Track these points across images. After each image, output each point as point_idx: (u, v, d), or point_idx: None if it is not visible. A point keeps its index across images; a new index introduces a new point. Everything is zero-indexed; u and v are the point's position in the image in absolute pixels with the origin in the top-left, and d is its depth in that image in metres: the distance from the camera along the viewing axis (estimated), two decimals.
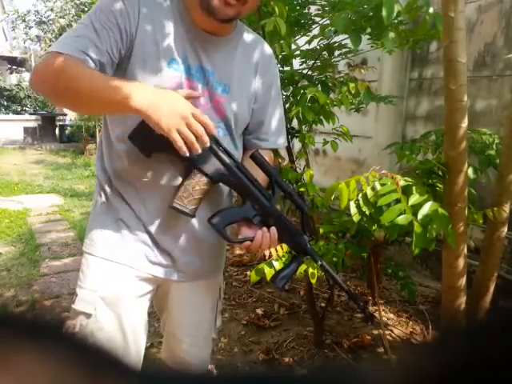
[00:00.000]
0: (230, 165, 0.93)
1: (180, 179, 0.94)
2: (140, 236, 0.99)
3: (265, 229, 0.95)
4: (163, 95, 0.80)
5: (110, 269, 0.99)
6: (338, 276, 1.05)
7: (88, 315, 0.97)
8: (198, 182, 0.92)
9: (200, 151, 0.84)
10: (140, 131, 0.89)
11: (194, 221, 0.99)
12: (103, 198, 1.01)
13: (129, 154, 0.94)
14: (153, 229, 0.99)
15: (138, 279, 1.01)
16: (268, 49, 1.08)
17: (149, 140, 0.88)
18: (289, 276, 1.00)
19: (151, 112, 0.78)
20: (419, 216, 1.05)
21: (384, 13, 1.14)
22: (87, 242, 1.02)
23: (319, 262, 1.01)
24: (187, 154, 0.82)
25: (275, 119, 1.09)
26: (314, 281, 1.36)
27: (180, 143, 0.80)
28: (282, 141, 1.12)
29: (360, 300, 1.09)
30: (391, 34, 1.34)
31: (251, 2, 0.90)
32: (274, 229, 0.95)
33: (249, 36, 1.03)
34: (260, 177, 0.98)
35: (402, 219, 1.05)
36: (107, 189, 1.00)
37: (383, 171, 1.18)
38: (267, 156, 1.08)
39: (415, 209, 1.06)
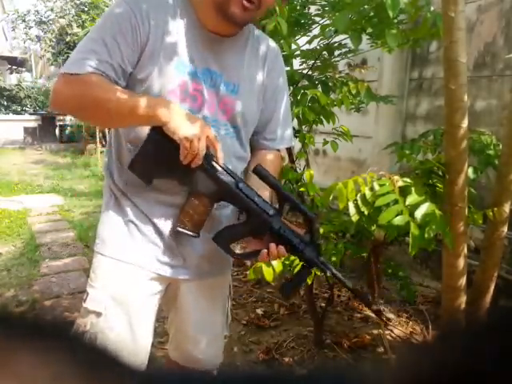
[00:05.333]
0: (229, 185, 0.92)
1: (182, 199, 0.95)
2: (150, 236, 0.99)
3: (273, 246, 0.92)
4: (187, 114, 0.86)
5: (120, 269, 0.99)
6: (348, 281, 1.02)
7: (98, 314, 0.98)
8: (199, 204, 0.93)
9: (200, 163, 0.88)
10: (139, 160, 0.90)
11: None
12: (113, 199, 1.02)
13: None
14: (163, 229, 0.99)
15: (148, 279, 1.01)
16: (274, 44, 1.08)
17: (149, 168, 0.91)
18: (296, 286, 1.00)
19: (173, 122, 0.84)
20: (416, 217, 1.05)
21: (389, 3, 1.14)
22: (98, 242, 1.03)
23: (328, 273, 0.98)
24: (185, 163, 0.87)
25: (282, 118, 1.09)
26: (309, 281, 1.36)
27: (186, 152, 0.86)
28: (288, 139, 1.12)
29: (371, 304, 1.08)
30: (393, 31, 1.34)
31: (264, 6, 0.92)
32: (282, 248, 0.93)
33: (255, 33, 1.04)
34: (267, 187, 0.97)
35: (398, 220, 1.05)
36: (115, 190, 1.01)
37: (381, 172, 1.18)
38: (275, 156, 1.08)
39: (412, 209, 1.06)
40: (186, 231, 0.93)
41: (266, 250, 0.92)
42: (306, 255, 0.96)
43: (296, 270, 1.31)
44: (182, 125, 0.84)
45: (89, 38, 0.89)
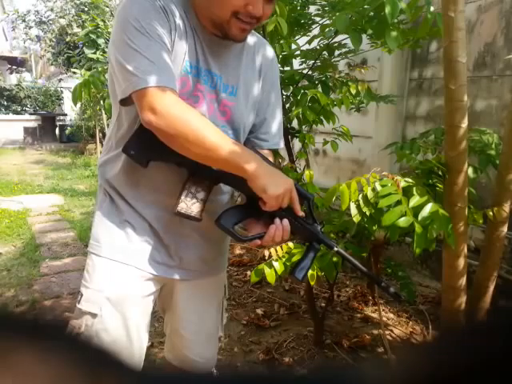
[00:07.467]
0: None
1: (179, 183, 0.94)
2: (145, 236, 0.99)
3: (277, 221, 0.93)
4: (275, 171, 0.90)
5: (115, 269, 0.99)
6: (356, 260, 1.00)
7: (94, 315, 0.97)
8: (200, 185, 0.92)
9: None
10: (135, 142, 0.88)
11: None
12: (107, 199, 1.01)
13: (124, 164, 0.96)
14: (158, 229, 0.99)
15: (143, 279, 1.01)
16: (270, 50, 1.09)
17: (146, 149, 0.88)
18: (307, 266, 0.96)
19: (262, 180, 0.86)
20: (420, 217, 1.05)
21: (387, 11, 1.14)
22: (92, 242, 1.02)
23: (335, 249, 0.97)
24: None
25: (275, 120, 1.09)
26: (312, 282, 1.36)
27: (270, 207, 0.90)
28: (281, 141, 1.12)
29: (382, 281, 1.05)
30: (393, 33, 1.34)
31: (264, 19, 0.92)
32: (286, 220, 0.93)
33: (253, 37, 1.04)
34: None
35: (402, 221, 1.04)
36: (110, 190, 1.01)
37: (384, 172, 1.18)
38: (268, 154, 1.08)
39: (416, 210, 1.06)
40: (189, 213, 0.91)
41: (273, 225, 0.92)
42: (311, 229, 0.96)
43: (296, 257, 1.30)
44: (270, 184, 0.86)
45: (143, 44, 0.83)
